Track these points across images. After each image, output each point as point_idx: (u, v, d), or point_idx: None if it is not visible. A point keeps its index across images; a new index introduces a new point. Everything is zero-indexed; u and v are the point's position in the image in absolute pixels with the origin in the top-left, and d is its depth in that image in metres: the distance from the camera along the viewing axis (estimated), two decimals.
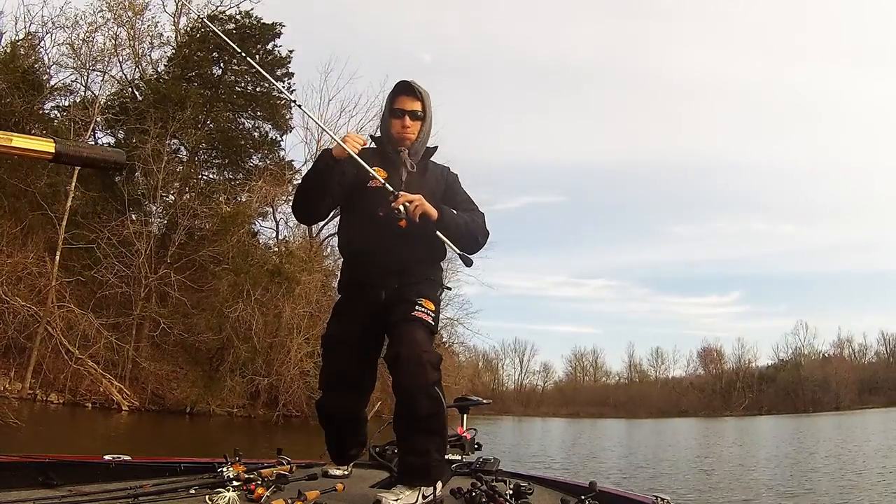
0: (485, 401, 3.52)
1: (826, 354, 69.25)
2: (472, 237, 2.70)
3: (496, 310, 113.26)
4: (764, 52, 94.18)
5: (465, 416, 3.15)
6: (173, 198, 24.65)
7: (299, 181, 3.18)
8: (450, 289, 2.94)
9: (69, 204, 20.31)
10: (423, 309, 2.56)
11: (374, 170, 2.63)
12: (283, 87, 24.95)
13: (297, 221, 22.27)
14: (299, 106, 2.81)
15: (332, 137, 2.70)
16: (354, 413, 2.88)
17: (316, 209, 2.79)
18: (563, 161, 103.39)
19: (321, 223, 27.85)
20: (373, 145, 2.84)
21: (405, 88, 2.74)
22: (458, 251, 2.60)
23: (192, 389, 22.34)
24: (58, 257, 19.61)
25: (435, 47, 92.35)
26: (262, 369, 22.87)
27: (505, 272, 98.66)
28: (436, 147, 2.85)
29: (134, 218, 22.53)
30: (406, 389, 2.41)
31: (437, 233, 2.57)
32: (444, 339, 40.90)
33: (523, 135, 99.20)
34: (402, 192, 2.54)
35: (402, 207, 2.51)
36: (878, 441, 21.15)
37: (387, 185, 2.57)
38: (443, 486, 2.53)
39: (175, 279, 21.58)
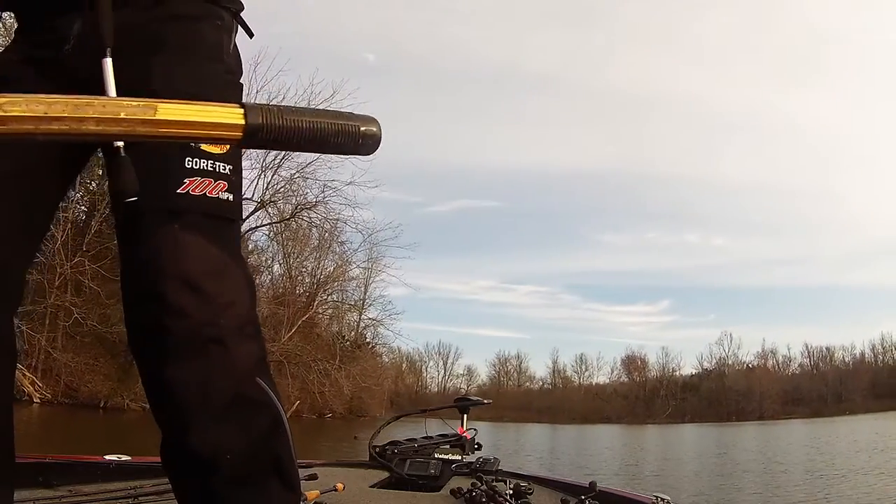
0: (485, 401, 3.50)
1: (750, 365, 70.85)
2: None
3: (423, 312, 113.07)
4: (703, 67, 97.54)
5: (465, 415, 3.11)
6: (94, 185, 23.58)
7: None
8: None
9: None
10: (204, 170, 1.11)
11: None
12: None
13: None
14: None
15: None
16: None
17: None
18: (498, 167, 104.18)
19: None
20: None
21: None
22: None
23: (107, 383, 21.48)
24: None
25: (381, 48, 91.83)
26: None
27: (434, 275, 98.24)
28: None
29: None
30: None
31: None
32: (368, 340, 40.61)
33: (460, 139, 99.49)
34: None
35: None
36: (803, 448, 22.10)
37: None
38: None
39: (89, 268, 20.79)
